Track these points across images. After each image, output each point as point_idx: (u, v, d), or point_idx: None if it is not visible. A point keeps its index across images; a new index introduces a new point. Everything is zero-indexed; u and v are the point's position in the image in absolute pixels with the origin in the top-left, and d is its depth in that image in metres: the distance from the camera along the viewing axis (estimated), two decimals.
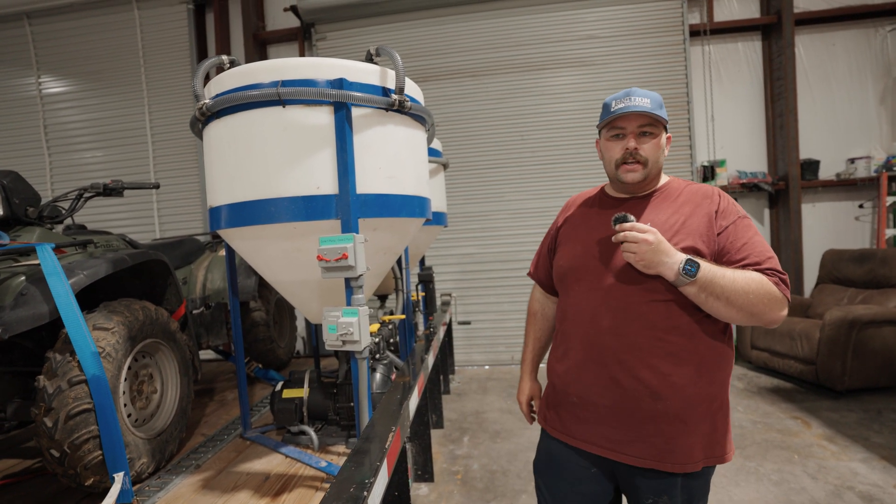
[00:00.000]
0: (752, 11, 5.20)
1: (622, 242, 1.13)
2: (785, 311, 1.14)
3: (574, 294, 1.29)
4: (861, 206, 5.09)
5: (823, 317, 3.84)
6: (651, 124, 1.22)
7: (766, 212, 5.29)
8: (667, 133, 1.27)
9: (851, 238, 5.13)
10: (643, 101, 1.20)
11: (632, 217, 1.15)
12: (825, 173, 5.10)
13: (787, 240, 5.06)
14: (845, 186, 5.06)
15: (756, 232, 1.19)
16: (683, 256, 1.10)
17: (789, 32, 4.86)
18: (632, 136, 1.23)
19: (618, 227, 1.14)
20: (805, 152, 5.08)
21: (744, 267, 1.13)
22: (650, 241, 1.09)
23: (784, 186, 5.01)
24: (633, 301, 1.17)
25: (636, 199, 1.29)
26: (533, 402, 1.54)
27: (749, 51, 5.22)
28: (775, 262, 1.15)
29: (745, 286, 1.09)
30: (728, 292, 1.08)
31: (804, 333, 3.95)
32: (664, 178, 1.33)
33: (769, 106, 5.19)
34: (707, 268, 1.09)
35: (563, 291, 1.35)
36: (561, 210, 1.49)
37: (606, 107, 1.27)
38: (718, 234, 1.18)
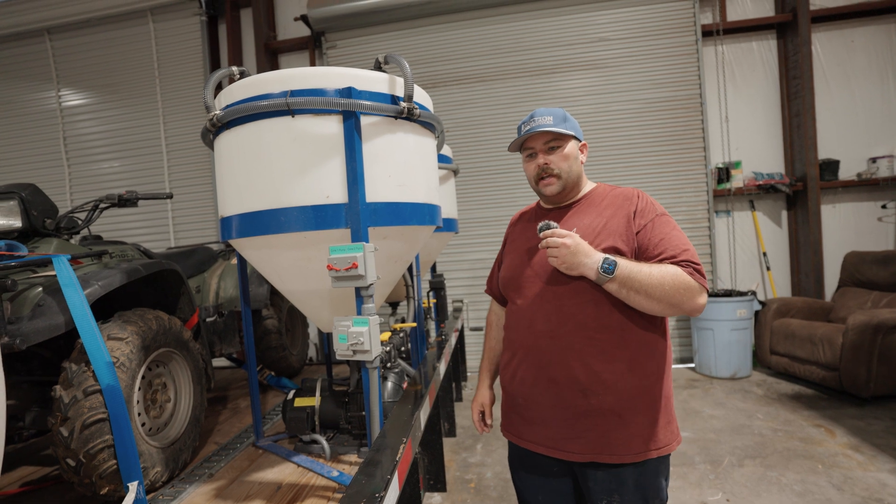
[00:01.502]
0: (766, 10, 5.12)
1: (547, 248, 1.23)
2: (703, 299, 1.20)
3: (514, 302, 1.39)
4: (884, 207, 4.95)
5: (846, 321, 3.73)
6: (556, 139, 1.34)
7: (784, 213, 5.18)
8: (580, 141, 1.38)
9: (874, 240, 4.99)
10: (545, 119, 1.33)
11: (555, 224, 1.25)
12: (845, 173, 4.97)
13: (805, 242, 4.94)
14: (867, 186, 4.94)
15: (674, 227, 1.27)
16: (602, 256, 1.19)
17: (805, 30, 4.77)
18: (541, 153, 1.35)
19: (541, 234, 1.24)
20: (824, 152, 4.97)
21: (661, 261, 1.21)
22: (568, 244, 1.18)
23: (802, 187, 4.90)
24: (565, 304, 1.26)
25: (563, 207, 1.40)
26: (484, 411, 1.59)
27: (764, 50, 5.13)
28: (690, 255, 1.22)
29: (660, 279, 1.16)
30: (646, 286, 1.15)
31: (826, 338, 3.84)
32: (590, 185, 1.43)
33: (785, 105, 5.09)
34: (624, 265, 1.17)
35: (508, 302, 1.44)
36: (507, 229, 1.59)
37: (518, 131, 1.39)
38: (637, 233, 1.26)
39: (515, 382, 1.36)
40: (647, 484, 1.24)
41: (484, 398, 1.60)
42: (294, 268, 1.76)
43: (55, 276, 1.68)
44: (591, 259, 1.18)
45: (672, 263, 1.20)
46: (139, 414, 1.80)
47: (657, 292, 1.15)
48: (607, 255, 1.18)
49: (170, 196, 2.57)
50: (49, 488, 2.01)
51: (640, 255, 1.25)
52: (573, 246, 1.18)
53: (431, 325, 3.47)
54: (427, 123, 1.87)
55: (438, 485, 2.74)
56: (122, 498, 1.54)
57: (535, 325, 1.30)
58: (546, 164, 1.33)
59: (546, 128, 1.30)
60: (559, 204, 1.41)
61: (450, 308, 4.55)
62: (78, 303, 1.59)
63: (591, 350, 1.23)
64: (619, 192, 1.36)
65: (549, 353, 1.27)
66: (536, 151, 1.35)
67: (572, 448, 1.26)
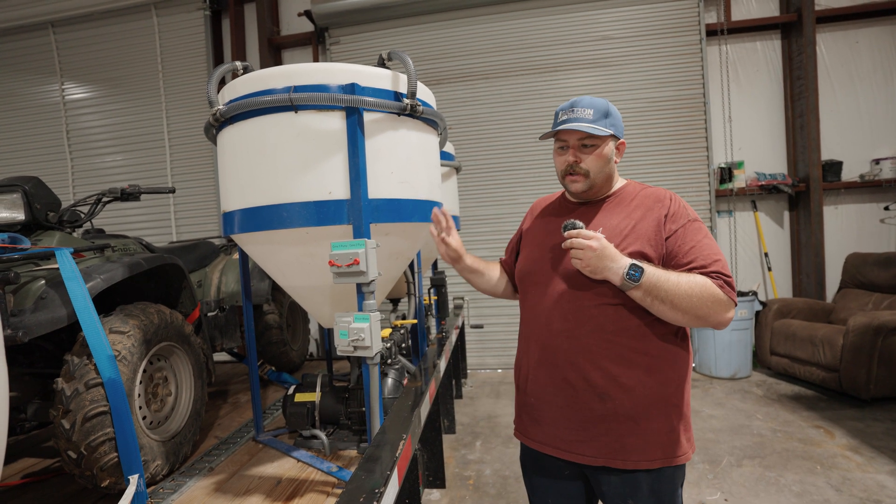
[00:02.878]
0: (770, 10, 5.10)
1: (571, 248, 1.17)
2: (731, 313, 1.15)
3: (531, 297, 1.35)
4: (887, 209, 4.94)
5: (847, 322, 3.73)
6: (591, 136, 1.24)
7: (786, 214, 5.17)
8: (618, 140, 1.29)
9: (876, 241, 4.98)
10: (585, 113, 1.23)
11: (580, 224, 1.18)
12: (848, 174, 4.96)
13: (807, 243, 4.93)
14: (870, 188, 4.92)
15: (706, 235, 1.21)
16: (628, 262, 1.13)
17: (810, 31, 4.75)
18: (573, 150, 1.26)
19: (566, 233, 1.17)
20: (827, 153, 4.96)
21: (690, 270, 1.15)
22: (594, 247, 1.12)
23: (805, 188, 4.89)
24: (584, 304, 1.21)
25: (591, 204, 1.33)
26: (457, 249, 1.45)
27: (768, 50, 5.11)
28: (721, 266, 1.16)
29: (688, 290, 1.11)
30: (672, 296, 1.11)
31: (826, 339, 3.84)
32: (621, 182, 1.35)
33: (789, 106, 5.07)
34: (651, 272, 1.12)
35: (523, 294, 1.41)
36: (527, 213, 1.54)
37: (556, 116, 1.30)
38: (667, 238, 1.20)
39: (529, 382, 1.33)
40: (663, 490, 1.22)
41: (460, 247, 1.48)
42: (296, 263, 1.76)
43: (58, 269, 1.68)
44: (617, 264, 1.12)
45: (701, 274, 1.14)
46: (140, 407, 1.81)
47: (684, 303, 1.10)
48: (634, 261, 1.13)
49: (172, 190, 2.58)
50: (50, 480, 2.02)
51: (669, 261, 1.19)
52: (599, 249, 1.12)
53: (432, 322, 3.47)
54: (430, 120, 1.87)
55: (437, 481, 2.75)
56: (123, 491, 1.55)
57: (551, 323, 1.26)
58: (576, 161, 1.25)
59: (582, 126, 1.20)
60: (590, 199, 1.34)
61: (450, 305, 4.55)
62: (80, 296, 1.59)
63: (608, 353, 1.19)
64: (650, 192, 1.29)
65: (565, 354, 1.23)
66: (569, 146, 1.27)
67: (584, 451, 1.23)
